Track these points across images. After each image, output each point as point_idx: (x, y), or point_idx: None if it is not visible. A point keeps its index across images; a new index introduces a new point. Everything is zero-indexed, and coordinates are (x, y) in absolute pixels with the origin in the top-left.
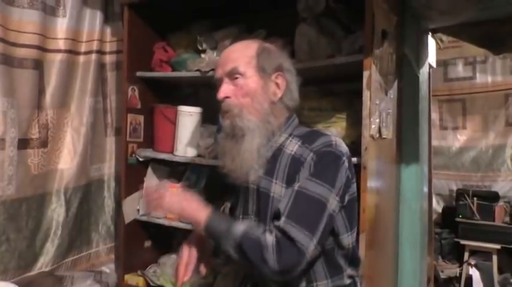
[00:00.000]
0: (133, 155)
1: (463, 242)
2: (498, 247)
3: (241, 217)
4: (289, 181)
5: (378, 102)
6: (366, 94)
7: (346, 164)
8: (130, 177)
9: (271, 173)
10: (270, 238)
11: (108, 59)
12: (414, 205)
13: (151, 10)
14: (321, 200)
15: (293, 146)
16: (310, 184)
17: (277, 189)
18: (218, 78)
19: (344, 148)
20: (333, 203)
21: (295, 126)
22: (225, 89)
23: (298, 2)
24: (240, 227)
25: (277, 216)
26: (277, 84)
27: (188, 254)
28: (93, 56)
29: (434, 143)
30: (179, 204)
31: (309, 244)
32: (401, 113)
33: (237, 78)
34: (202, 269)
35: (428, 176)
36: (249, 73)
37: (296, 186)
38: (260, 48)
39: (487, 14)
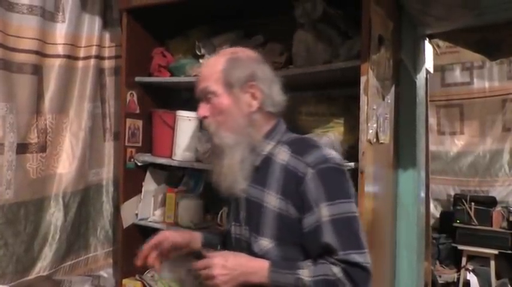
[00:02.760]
0: (132, 159)
1: (460, 247)
2: (496, 252)
3: (232, 224)
4: (287, 194)
5: (375, 107)
6: (363, 99)
7: (347, 172)
8: (129, 181)
9: (262, 182)
10: (338, 272)
11: (107, 64)
12: (411, 210)
13: (150, 16)
14: (352, 215)
15: (283, 155)
16: (336, 207)
17: (271, 200)
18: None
19: (338, 157)
20: (357, 210)
21: (282, 133)
22: (202, 109)
23: (296, 8)
24: (305, 272)
25: (328, 250)
26: (252, 94)
27: (161, 241)
28: (92, 61)
29: (432, 148)
30: (230, 275)
31: (368, 258)
32: (398, 118)
33: (210, 97)
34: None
35: (425, 181)
36: (220, 90)
37: (325, 217)
38: (227, 61)
39: (482, 20)
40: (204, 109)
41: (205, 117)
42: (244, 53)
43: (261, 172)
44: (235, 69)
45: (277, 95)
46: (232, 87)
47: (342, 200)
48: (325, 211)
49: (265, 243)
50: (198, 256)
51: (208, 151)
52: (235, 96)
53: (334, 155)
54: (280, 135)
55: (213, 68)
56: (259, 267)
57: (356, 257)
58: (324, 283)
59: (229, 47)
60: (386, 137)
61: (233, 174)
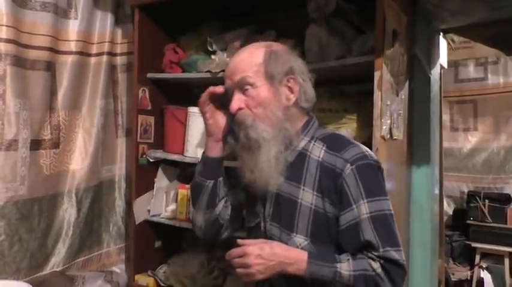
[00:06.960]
0: (144, 156)
1: (474, 244)
2: (510, 249)
3: (257, 220)
4: (323, 191)
5: (389, 103)
6: (376, 95)
7: (383, 169)
8: (141, 178)
9: (297, 178)
10: (377, 268)
11: (119, 60)
12: (425, 207)
13: (162, 12)
14: (390, 213)
15: (319, 151)
16: (375, 204)
17: (307, 196)
18: (228, 88)
19: (374, 154)
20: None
21: (316, 129)
22: (237, 101)
23: (308, 3)
24: (344, 265)
25: (368, 247)
26: (290, 88)
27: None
28: (104, 58)
29: (445, 144)
30: (266, 264)
31: (403, 255)
32: (412, 114)
33: (247, 89)
34: None
35: (439, 178)
36: (259, 83)
37: (365, 214)
38: (267, 54)
39: (498, 14)
40: (239, 101)
41: (240, 109)
42: (280, 46)
43: (295, 167)
44: (276, 62)
45: (310, 91)
46: (273, 79)
47: (380, 197)
48: (364, 208)
49: (300, 240)
50: (208, 253)
51: (233, 146)
52: (275, 89)
53: (371, 152)
54: (314, 131)
55: (251, 60)
56: (297, 258)
57: (394, 254)
58: (363, 278)
59: (242, 42)
60: (400, 133)
61: (269, 170)
